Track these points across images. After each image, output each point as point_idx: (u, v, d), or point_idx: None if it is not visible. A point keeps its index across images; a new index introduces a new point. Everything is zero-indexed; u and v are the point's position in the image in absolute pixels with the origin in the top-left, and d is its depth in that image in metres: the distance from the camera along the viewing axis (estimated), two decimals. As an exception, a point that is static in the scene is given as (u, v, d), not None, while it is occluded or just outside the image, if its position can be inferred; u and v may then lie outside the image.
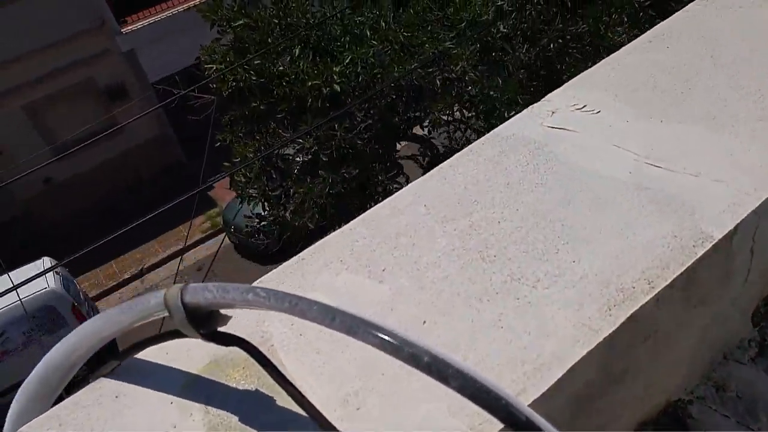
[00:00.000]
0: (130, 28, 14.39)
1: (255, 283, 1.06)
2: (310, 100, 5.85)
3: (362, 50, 5.77)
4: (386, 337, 0.56)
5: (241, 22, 5.82)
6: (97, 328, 0.91)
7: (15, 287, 6.13)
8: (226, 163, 6.80)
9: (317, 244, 1.09)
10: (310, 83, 5.74)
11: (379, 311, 0.93)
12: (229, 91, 5.92)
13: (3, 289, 10.76)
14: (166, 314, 0.81)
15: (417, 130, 6.91)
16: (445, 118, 5.77)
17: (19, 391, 0.96)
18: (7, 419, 0.96)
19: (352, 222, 1.11)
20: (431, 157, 6.67)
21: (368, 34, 5.73)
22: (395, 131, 6.24)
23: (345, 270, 1.02)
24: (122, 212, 14.99)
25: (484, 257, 0.96)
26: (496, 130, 1.19)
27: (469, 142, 6.27)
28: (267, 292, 0.70)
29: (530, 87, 5.16)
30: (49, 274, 10.97)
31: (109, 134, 14.10)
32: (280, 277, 1.05)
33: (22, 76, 13.50)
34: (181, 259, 8.14)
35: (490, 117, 5.19)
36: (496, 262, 0.95)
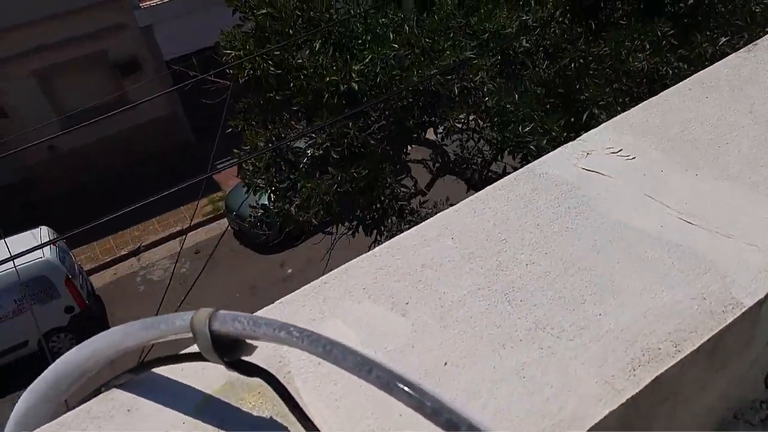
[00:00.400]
0: (149, 3, 14.35)
1: (278, 303, 1.05)
2: (326, 96, 5.84)
3: (383, 51, 5.75)
4: (427, 402, 0.54)
5: (264, 11, 5.80)
6: (117, 339, 0.90)
7: (12, 257, 6.11)
8: (235, 150, 6.79)
9: (341, 268, 1.08)
10: (327, 78, 5.73)
11: (400, 347, 0.92)
12: (246, 78, 5.90)
13: (-1, 254, 10.72)
14: (190, 336, 0.79)
15: (430, 135, 6.90)
16: (459, 126, 5.76)
17: (29, 389, 0.94)
18: (12, 415, 0.95)
19: (378, 248, 1.10)
20: (441, 164, 6.67)
21: (391, 35, 5.72)
22: (408, 134, 6.23)
23: (368, 299, 1.01)
24: (125, 186, 14.99)
25: (509, 300, 0.95)
26: (530, 165, 1.18)
27: (480, 152, 6.26)
28: (300, 332, 0.69)
29: (547, 103, 5.16)
30: (41, 242, 10.94)
31: (119, 108, 14.09)
32: (301, 300, 1.04)
33: (36, 41, 13.47)
34: (183, 240, 8.11)
35: (504, 129, 5.18)
36: (521, 307, 0.94)
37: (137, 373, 0.93)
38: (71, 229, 13.78)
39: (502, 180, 1.16)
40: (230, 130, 6.65)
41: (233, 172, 12.44)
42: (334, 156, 5.90)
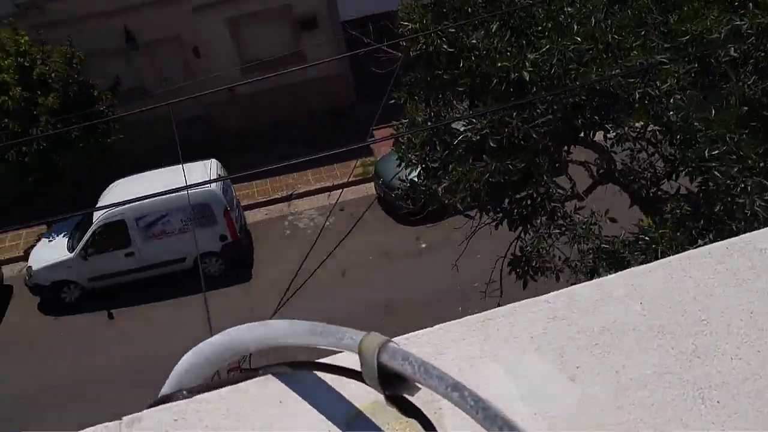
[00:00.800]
0: (335, -37, 14.82)
1: (437, 327, 1.01)
2: (494, 81, 5.67)
3: (563, 42, 5.43)
4: None
5: (446, -13, 5.72)
6: (282, 332, 0.91)
7: (188, 186, 6.80)
8: (395, 122, 6.87)
9: (508, 308, 1.01)
10: (499, 64, 5.55)
11: (566, 416, 0.84)
12: (417, 52, 5.89)
13: (173, 177, 12.02)
14: (356, 355, 0.79)
15: (596, 137, 6.47)
16: (633, 134, 5.32)
17: (195, 349, 0.99)
18: (176, 368, 1.01)
19: (552, 294, 1.01)
20: (606, 171, 6.24)
21: (575, 27, 5.37)
22: (575, 134, 5.89)
23: (534, 350, 0.94)
24: (287, 135, 15.91)
25: (704, 397, 0.83)
26: (748, 236, 1.02)
27: (652, 166, 5.76)
28: (476, 401, 0.64)
29: (746, 126, 4.53)
30: (212, 175, 12.00)
31: (293, 62, 14.87)
32: (461, 331, 0.99)
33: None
34: (339, 194, 8.44)
35: (687, 147, 4.67)
36: (718, 411, 0.81)
37: (295, 369, 0.95)
38: (236, 164, 14.98)
39: (709, 246, 1.01)
40: (393, 101, 6.72)
41: (367, 136, 12.70)
42: (492, 144, 5.74)
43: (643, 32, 5.35)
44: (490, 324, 0.99)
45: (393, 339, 0.75)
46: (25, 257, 12.84)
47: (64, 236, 12.51)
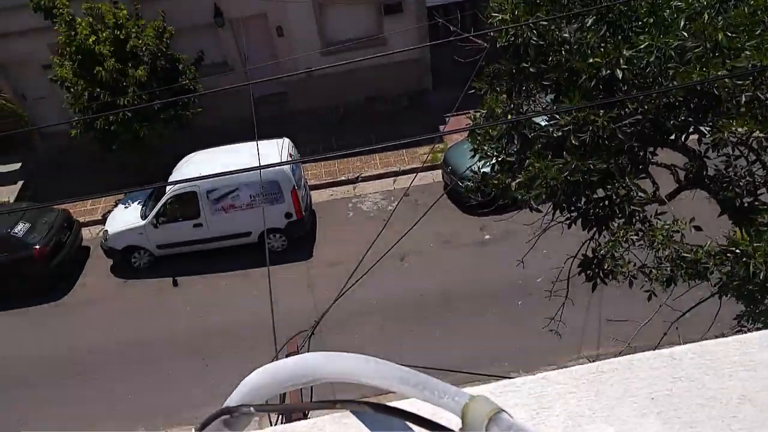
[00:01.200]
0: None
1: (540, 376, 0.88)
2: (583, 77, 5.38)
3: (664, 39, 5.07)
4: None
5: (541, -25, 5.44)
6: (368, 371, 0.82)
7: (262, 167, 6.88)
8: (472, 112, 6.67)
9: (624, 359, 0.87)
10: (591, 60, 5.25)
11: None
12: (505, 44, 5.66)
13: (246, 153, 12.22)
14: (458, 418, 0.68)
15: (687, 139, 6.05)
16: (733, 140, 4.92)
17: (265, 368, 0.93)
18: (243, 383, 0.95)
19: (679, 348, 0.87)
20: (694, 176, 5.83)
21: (681, 23, 4.99)
22: (665, 135, 5.52)
23: (655, 414, 0.79)
24: (359, 117, 15.91)
25: None
26: None
27: (751, 174, 5.34)
28: None
29: None
30: (283, 154, 12.15)
31: (373, 45, 14.78)
32: (570, 383, 0.86)
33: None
34: (411, 180, 8.32)
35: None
36: None
37: (376, 411, 0.85)
38: (307, 143, 15.13)
39: None
40: (473, 90, 6.51)
41: (458, 127, 12.44)
42: (574, 142, 5.46)
43: (758, 31, 4.91)
44: (602, 378, 0.86)
45: (500, 408, 0.63)
46: (103, 221, 13.49)
47: (138, 203, 13.03)
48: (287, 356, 4.12)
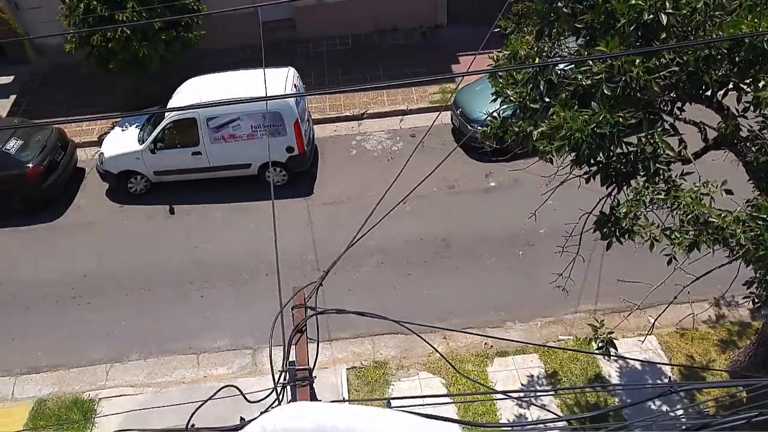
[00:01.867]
0: None
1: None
2: (622, 21, 4.99)
3: (715, -16, 4.67)
4: None
5: None
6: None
7: (268, 98, 6.47)
8: (495, 51, 6.28)
9: None
10: (633, 1, 4.85)
11: None
12: (538, -19, 5.23)
13: (250, 80, 11.73)
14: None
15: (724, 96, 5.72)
16: (776, 101, 4.61)
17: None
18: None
19: None
20: (725, 136, 5.53)
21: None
22: (702, 90, 5.19)
23: None
24: (367, 50, 15.28)
25: None
26: None
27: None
28: None
29: None
30: (289, 84, 11.69)
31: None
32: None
33: None
34: (435, 124, 7.99)
35: None
36: None
37: None
38: (313, 75, 14.60)
39: None
40: (498, 29, 6.10)
41: (470, 67, 11.89)
42: (606, 92, 5.13)
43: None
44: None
45: None
46: (99, 143, 13.09)
47: (136, 127, 12.61)
48: (293, 309, 3.93)
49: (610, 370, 8.96)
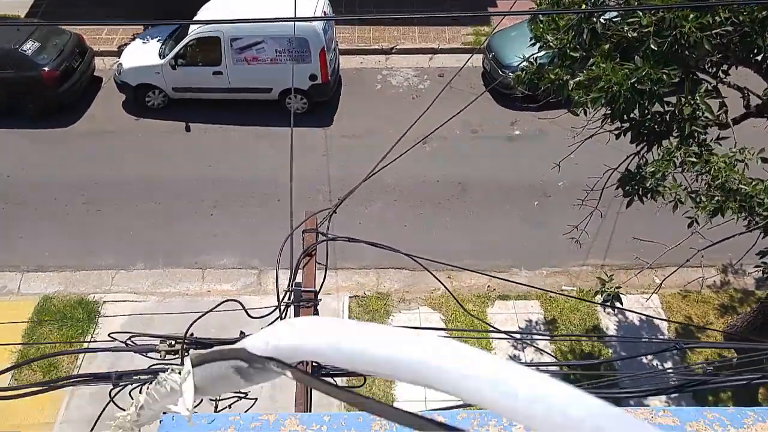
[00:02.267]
0: None
1: None
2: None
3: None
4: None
5: None
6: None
7: (296, 19, 6.20)
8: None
9: None
10: (694, -49, 4.59)
11: None
12: None
13: (278, 2, 11.36)
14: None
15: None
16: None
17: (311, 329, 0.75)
18: (272, 335, 0.80)
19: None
20: (764, 103, 5.35)
21: None
22: (751, 53, 4.98)
23: None
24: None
25: None
26: None
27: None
28: None
29: None
30: (318, 11, 11.32)
31: None
32: None
33: None
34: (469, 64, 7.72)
35: None
36: None
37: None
38: (342, 3, 14.08)
39: None
40: (547, -31, 5.80)
41: (506, 8, 11.47)
42: (652, 46, 4.92)
43: None
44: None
45: None
46: (118, 53, 12.83)
47: (157, 41, 12.33)
48: (304, 233, 3.89)
49: (609, 323, 9.07)
